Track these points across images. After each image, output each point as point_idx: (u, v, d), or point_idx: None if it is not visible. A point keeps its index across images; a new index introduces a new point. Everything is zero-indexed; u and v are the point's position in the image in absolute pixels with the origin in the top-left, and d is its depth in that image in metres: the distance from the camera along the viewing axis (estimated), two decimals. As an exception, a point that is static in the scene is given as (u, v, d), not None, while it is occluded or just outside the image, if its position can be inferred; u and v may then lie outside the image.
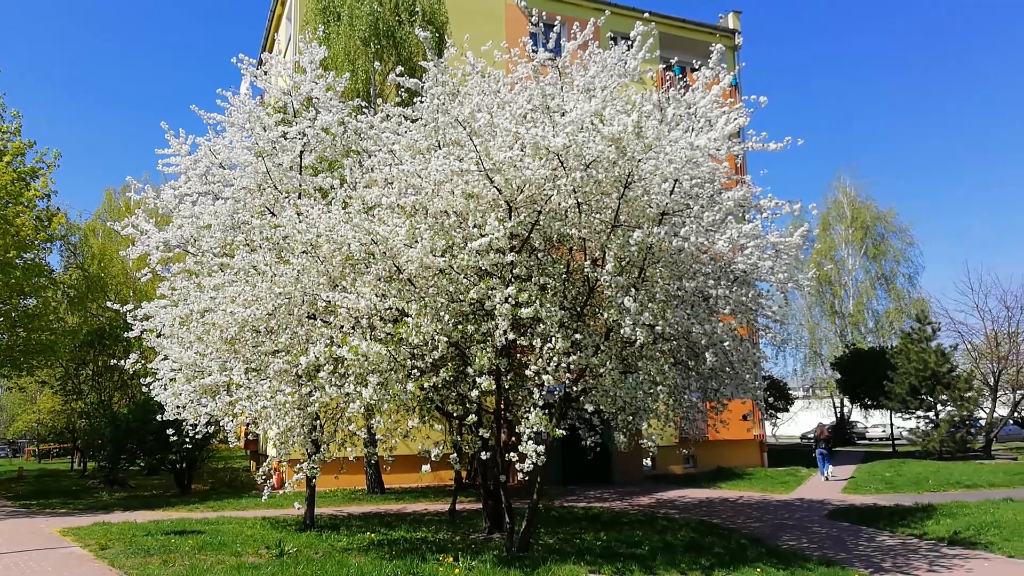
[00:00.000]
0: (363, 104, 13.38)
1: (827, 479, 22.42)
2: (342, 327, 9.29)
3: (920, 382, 29.46)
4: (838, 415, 42.66)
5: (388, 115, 11.25)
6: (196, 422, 11.41)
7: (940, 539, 12.01)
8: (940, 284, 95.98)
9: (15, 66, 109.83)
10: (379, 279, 9.14)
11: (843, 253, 45.32)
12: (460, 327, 9.07)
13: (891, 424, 34.77)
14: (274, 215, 11.16)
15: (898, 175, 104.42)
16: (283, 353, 9.72)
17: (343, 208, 9.82)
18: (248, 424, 11.32)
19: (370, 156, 10.73)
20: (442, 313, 8.87)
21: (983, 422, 32.03)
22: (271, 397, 9.47)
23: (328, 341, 9.20)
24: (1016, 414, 36.28)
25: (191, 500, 19.12)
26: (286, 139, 11.94)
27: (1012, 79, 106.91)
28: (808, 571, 9.50)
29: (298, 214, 9.83)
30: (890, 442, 35.74)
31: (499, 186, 8.89)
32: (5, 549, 11.65)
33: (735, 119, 9.83)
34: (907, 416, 31.14)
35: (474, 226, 9.08)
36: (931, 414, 29.82)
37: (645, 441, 9.33)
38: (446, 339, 8.83)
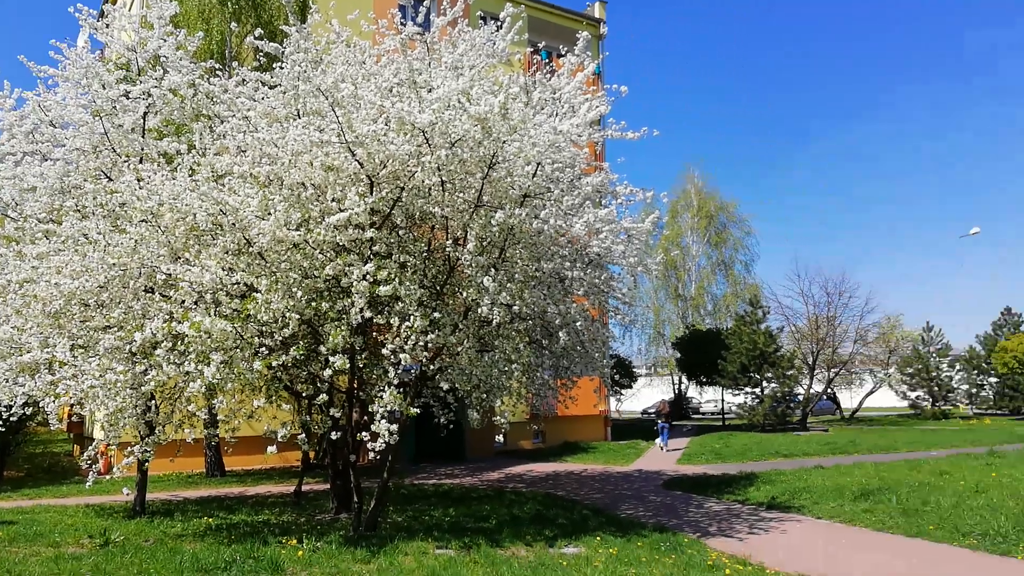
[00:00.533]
0: (217, 67, 12.44)
1: (664, 449, 24.31)
2: (183, 302, 8.68)
3: (749, 361, 31.94)
4: (676, 391, 45.42)
5: (244, 80, 10.54)
6: (11, 403, 10.31)
7: (760, 504, 13.12)
8: (772, 272, 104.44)
9: None
10: (227, 252, 8.62)
11: (688, 240, 47.99)
12: (314, 304, 8.74)
13: (722, 400, 37.52)
14: (111, 180, 10.22)
15: (743, 168, 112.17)
16: (115, 329, 8.95)
17: (190, 175, 9.16)
18: (72, 405, 10.37)
19: (222, 122, 10.05)
20: (295, 289, 8.50)
21: (801, 397, 35.33)
22: (100, 376, 8.69)
23: (167, 316, 8.57)
24: (829, 390, 40.32)
25: (3, 488, 17.33)
26: (128, 99, 10.90)
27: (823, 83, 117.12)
28: (643, 537, 10.08)
29: (138, 180, 9.05)
30: (721, 416, 38.58)
31: (361, 160, 8.61)
32: None
33: (597, 107, 10.07)
34: (737, 392, 33.71)
35: (333, 200, 8.73)
36: (757, 390, 32.46)
37: (498, 418, 9.47)
38: (298, 316, 8.49)
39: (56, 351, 9.06)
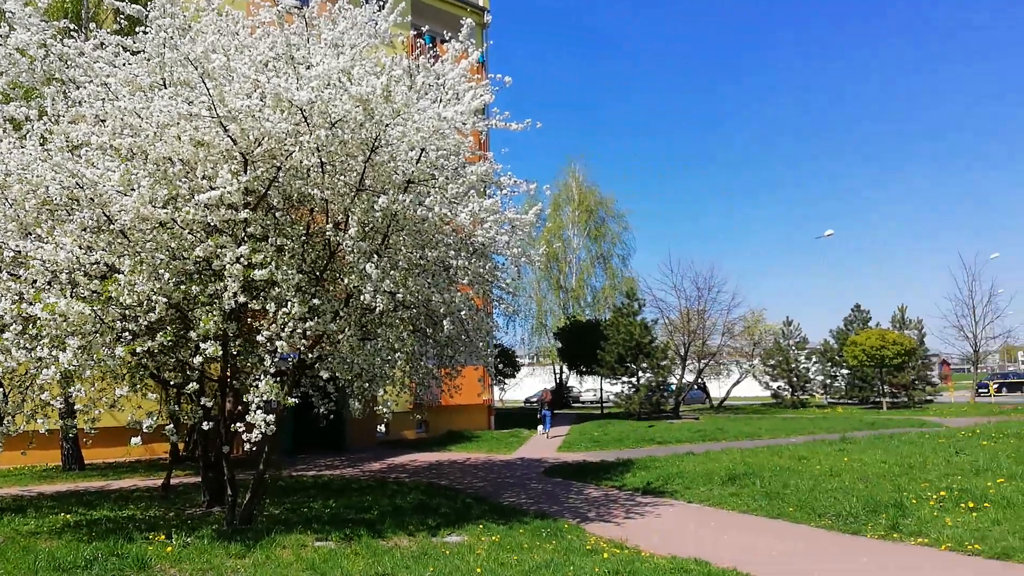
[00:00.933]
0: (72, 27, 11.46)
1: (547, 436, 25.30)
2: (35, 282, 7.99)
3: (626, 351, 33.06)
4: (558, 381, 46.39)
5: (103, 43, 9.76)
6: None
7: (636, 489, 13.63)
8: (649, 266, 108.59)
9: None
10: (84, 229, 8.00)
11: (570, 233, 49.03)
12: (183, 287, 8.26)
13: (601, 389, 38.67)
14: (-53, 144, 9.24)
15: (624, 163, 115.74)
16: (-45, 309, 8.13)
17: (41, 144, 8.42)
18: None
19: (78, 87, 9.29)
20: (161, 271, 8.00)
21: (674, 387, 36.95)
22: (-62, 360, 7.89)
23: (17, 297, 7.87)
24: (699, 380, 42.36)
25: None
26: (-34, 56, 9.87)
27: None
28: (525, 524, 10.24)
29: (-20, 146, 8.24)
30: (600, 405, 39.77)
31: (234, 136, 8.19)
32: None
33: (481, 95, 10.04)
34: (615, 381, 34.81)
35: (203, 177, 8.25)
36: (634, 380, 33.66)
37: (380, 408, 9.31)
38: (165, 300, 7.99)
39: None
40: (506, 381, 39.38)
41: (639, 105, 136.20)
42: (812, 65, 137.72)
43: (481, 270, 10.34)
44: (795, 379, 44.72)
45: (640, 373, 33.45)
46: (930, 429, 24.03)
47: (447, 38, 10.56)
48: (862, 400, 44.63)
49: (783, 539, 9.47)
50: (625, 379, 33.96)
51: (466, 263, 9.80)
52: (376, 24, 10.08)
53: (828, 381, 47.20)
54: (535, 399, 48.68)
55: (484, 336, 11.83)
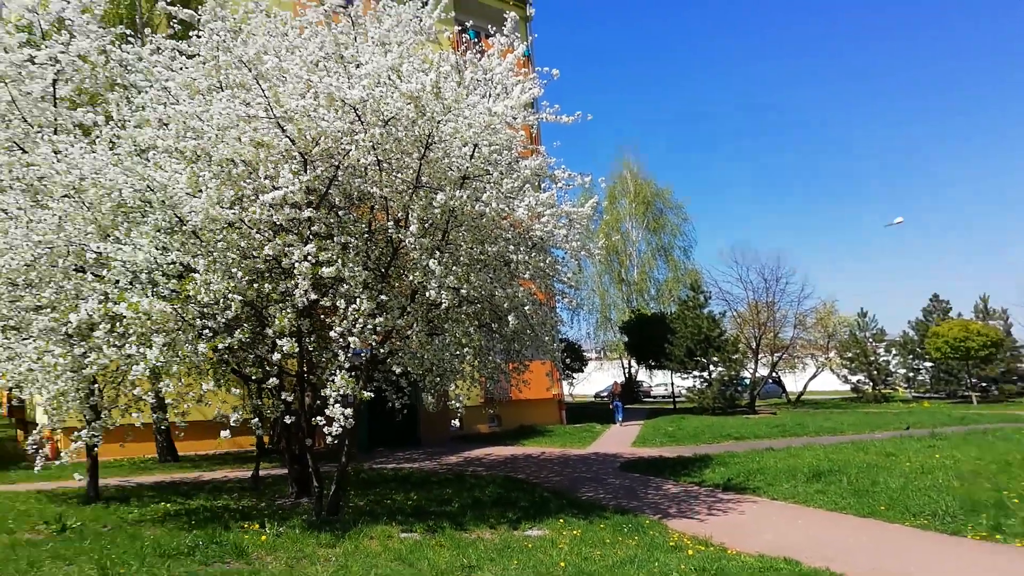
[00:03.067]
0: (128, 33, 11.86)
1: (621, 425, 26.39)
2: (118, 282, 8.40)
3: (695, 345, 32.45)
4: (626, 375, 45.89)
5: (159, 47, 10.07)
6: (-58, 390, 9.89)
7: (716, 485, 13.31)
8: (711, 257, 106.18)
9: None
10: (159, 230, 8.35)
11: (628, 225, 48.41)
12: (256, 285, 8.55)
13: (672, 383, 38.07)
14: (24, 152, 9.79)
15: (677, 151, 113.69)
16: (48, 309, 8.63)
17: (111, 149, 8.80)
18: (11, 389, 9.95)
19: (140, 92, 9.66)
20: (234, 270, 8.29)
21: (748, 381, 36.09)
22: (38, 359, 8.41)
23: (102, 297, 8.29)
24: (774, 374, 41.29)
25: (-57, 479, 16.63)
26: (34, 64, 10.38)
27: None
28: (605, 519, 10.14)
29: (55, 152, 8.67)
30: (671, 399, 39.18)
31: (292, 136, 8.38)
32: None
33: (530, 89, 9.95)
34: (685, 376, 34.23)
35: (266, 177, 8.49)
36: (705, 374, 33.00)
37: (452, 402, 9.40)
38: (240, 298, 8.29)
39: (-13, 332, 8.69)
40: (574, 376, 39.20)
41: (692, 90, 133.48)
42: (877, 47, 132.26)
43: (541, 264, 10.31)
44: (875, 372, 43.10)
45: (711, 367, 32.80)
46: (1027, 423, 22.74)
47: (491, 33, 10.53)
48: (949, 394, 42.70)
49: (876, 538, 9.09)
50: (696, 373, 33.38)
51: (526, 257, 9.78)
52: (421, 20, 10.10)
53: (911, 375, 45.33)
54: (605, 393, 48.45)
55: (549, 330, 11.79)
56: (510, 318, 9.57)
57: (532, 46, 26.26)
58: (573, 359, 35.61)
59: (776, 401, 43.55)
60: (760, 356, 37.68)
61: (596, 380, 49.61)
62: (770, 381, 41.88)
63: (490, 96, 9.93)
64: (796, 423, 25.87)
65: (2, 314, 8.94)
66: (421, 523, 9.78)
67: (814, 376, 43.21)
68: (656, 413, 33.10)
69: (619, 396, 28.11)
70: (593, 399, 49.38)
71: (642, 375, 47.17)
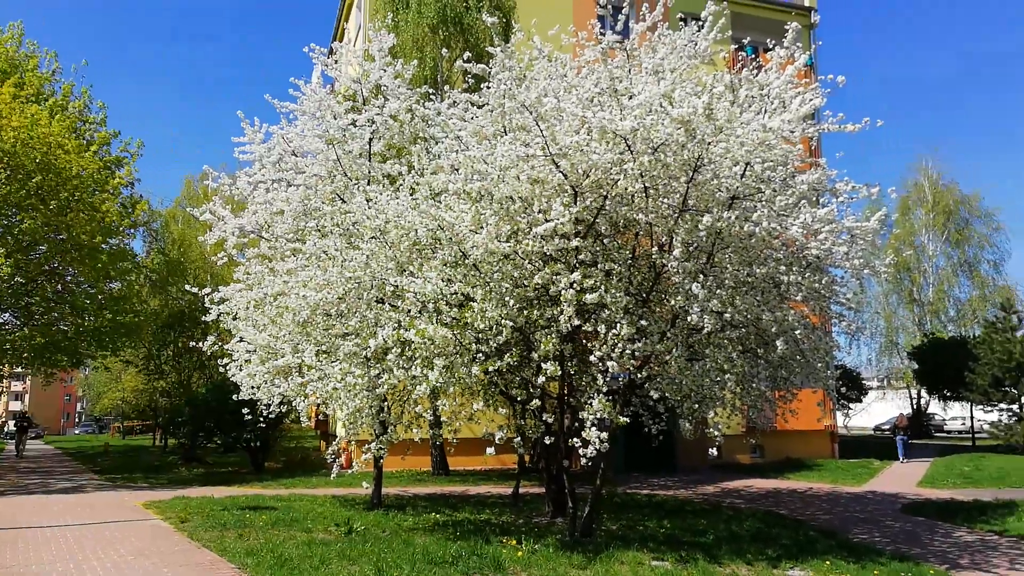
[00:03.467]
0: (430, 91, 13.46)
1: (902, 461, 24.17)
2: (409, 311, 9.42)
3: (1004, 373, 28.18)
4: (915, 406, 41.16)
5: (455, 101, 11.30)
6: (270, 402, 11.80)
7: (1022, 536, 11.50)
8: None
9: (101, 59, 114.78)
10: (445, 264, 9.21)
11: (923, 239, 43.55)
12: (525, 312, 9.09)
13: (971, 416, 33.40)
14: (344, 201, 11.38)
15: (985, 157, 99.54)
16: (352, 336, 9.93)
17: (410, 194, 9.93)
18: (319, 405, 11.63)
19: (437, 143, 10.81)
20: (507, 298, 8.89)
21: (1072, 416, 30.47)
22: (341, 379, 9.69)
23: (396, 325, 9.34)
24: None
25: (264, 477, 19.79)
26: (355, 126, 12.13)
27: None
28: (881, 565, 9.21)
29: (367, 200, 9.99)
30: (970, 435, 34.34)
31: (565, 171, 8.82)
32: (94, 519, 12.34)
33: (810, 100, 9.49)
34: (989, 408, 29.92)
35: (539, 211, 9.04)
36: (1015, 407, 28.53)
37: (711, 430, 9.17)
38: (511, 324, 8.85)
39: (304, 356, 10.23)
40: (851, 406, 36.06)
41: (1003, 91, 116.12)
42: None
43: (816, 285, 9.67)
44: None
45: (1023, 399, 28.21)
46: None
47: (771, 46, 10.19)
48: None
49: None
50: (1004, 406, 28.89)
51: (799, 278, 9.25)
52: (695, 44, 10.09)
53: None
54: (887, 426, 43.80)
55: (823, 356, 10.99)
56: (778, 343, 9.09)
57: (816, 54, 24.99)
58: (849, 388, 32.81)
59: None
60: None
61: (876, 411, 45.09)
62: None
63: (765, 111, 9.61)
64: None
65: (317, 340, 10.45)
66: (673, 552, 9.57)
67: None
68: (950, 450, 29.18)
69: (904, 430, 25.61)
70: (873, 432, 44.88)
71: (934, 407, 41.95)
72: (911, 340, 40.83)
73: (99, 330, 22.28)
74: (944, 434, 43.42)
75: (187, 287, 15.72)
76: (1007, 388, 28.34)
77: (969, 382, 29.16)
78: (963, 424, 39.67)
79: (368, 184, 11.34)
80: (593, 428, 8.34)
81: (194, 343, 15.90)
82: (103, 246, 21.38)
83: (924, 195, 43.80)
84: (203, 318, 13.44)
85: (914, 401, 41.75)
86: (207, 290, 12.87)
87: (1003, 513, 13.56)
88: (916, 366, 35.78)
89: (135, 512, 13.32)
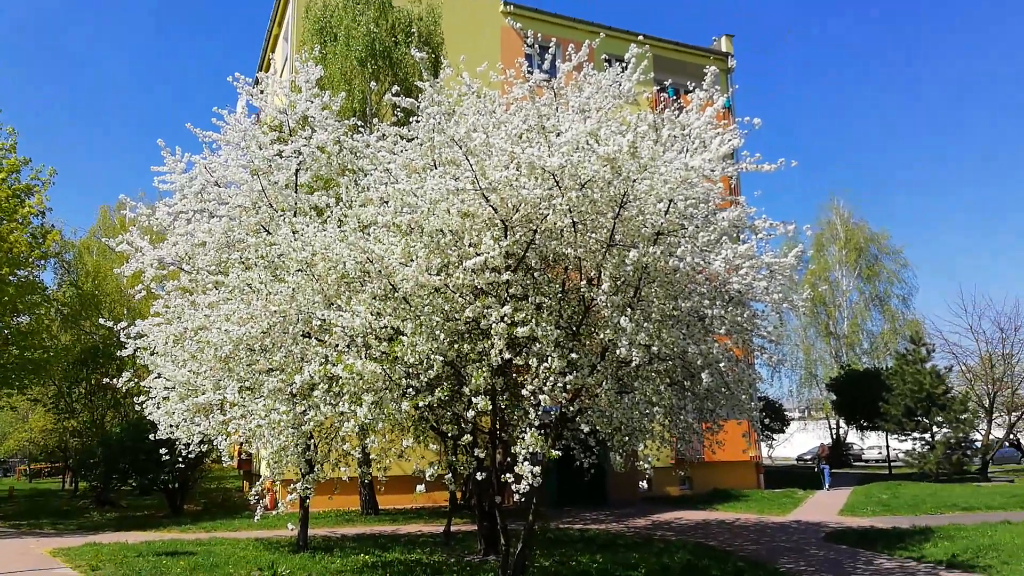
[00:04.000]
0: (359, 123, 13.42)
1: (827, 490, 25.06)
2: (337, 345, 9.23)
3: (916, 403, 29.44)
4: (834, 436, 42.53)
5: (384, 134, 11.27)
6: (189, 441, 11.33)
7: (938, 562, 11.95)
8: (934, 306, 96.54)
9: (10, 84, 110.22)
10: (374, 297, 9.09)
11: (837, 274, 45.54)
12: (456, 346, 9.02)
13: (887, 446, 34.69)
14: (269, 233, 11.14)
15: (890, 198, 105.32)
16: (277, 372, 9.66)
17: (338, 226, 9.81)
18: (242, 444, 11.22)
19: (366, 175, 10.73)
20: (437, 332, 8.82)
21: (979, 444, 32.00)
22: (265, 416, 9.38)
23: (323, 360, 9.13)
24: (1012, 436, 36.28)
25: (183, 521, 18.92)
26: (281, 157, 11.95)
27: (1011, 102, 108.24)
28: (806, 594, 9.43)
29: (293, 232, 9.81)
30: (886, 464, 35.65)
31: (495, 205, 8.88)
32: (-7, 570, 11.50)
33: (729, 140, 9.86)
34: (903, 438, 31.12)
35: (470, 245, 9.05)
36: (927, 436, 29.78)
37: (641, 462, 9.25)
38: (441, 358, 8.77)
39: (227, 393, 9.88)
40: (774, 437, 36.99)
41: (906, 130, 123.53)
42: None
43: (739, 319, 9.95)
44: None
45: (934, 428, 29.48)
46: None
47: (691, 88, 10.58)
48: None
49: None
50: (916, 435, 30.16)
51: (722, 312, 9.50)
52: (620, 85, 10.42)
53: None
54: (808, 456, 45.08)
55: (747, 388, 11.27)
56: (704, 375, 9.27)
57: (733, 97, 26.08)
58: (773, 419, 33.70)
59: (1014, 467, 38.16)
60: (995, 416, 33.33)
61: (799, 442, 46.40)
62: (1007, 445, 36.82)
63: (687, 150, 9.93)
64: (1040, 493, 22.56)
65: (240, 376, 10.12)
66: (606, 588, 9.60)
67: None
68: (868, 479, 30.25)
69: (826, 459, 26.73)
70: (795, 462, 46.11)
71: (852, 436, 43.46)
72: (829, 372, 42.34)
73: (4, 366, 21.04)
74: (862, 463, 44.96)
75: (101, 321, 15.00)
76: (919, 418, 29.58)
77: (884, 412, 30.33)
78: (880, 453, 41.18)
79: (294, 215, 11.15)
80: (526, 463, 8.30)
81: (108, 380, 15.14)
82: (11, 278, 20.30)
83: (836, 232, 45.92)
84: (118, 353, 12.88)
85: (833, 431, 43.16)
86: (123, 324, 12.34)
87: (920, 540, 14.08)
88: (834, 397, 37.07)
89: (41, 560, 12.51)
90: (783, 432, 37.63)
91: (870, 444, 44.47)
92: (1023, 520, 16.14)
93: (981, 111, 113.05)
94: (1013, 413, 34.16)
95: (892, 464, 34.67)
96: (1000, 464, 37.62)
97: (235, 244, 11.35)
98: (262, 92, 13.08)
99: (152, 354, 11.81)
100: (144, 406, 12.05)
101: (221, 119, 12.57)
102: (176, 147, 12.66)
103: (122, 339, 12.29)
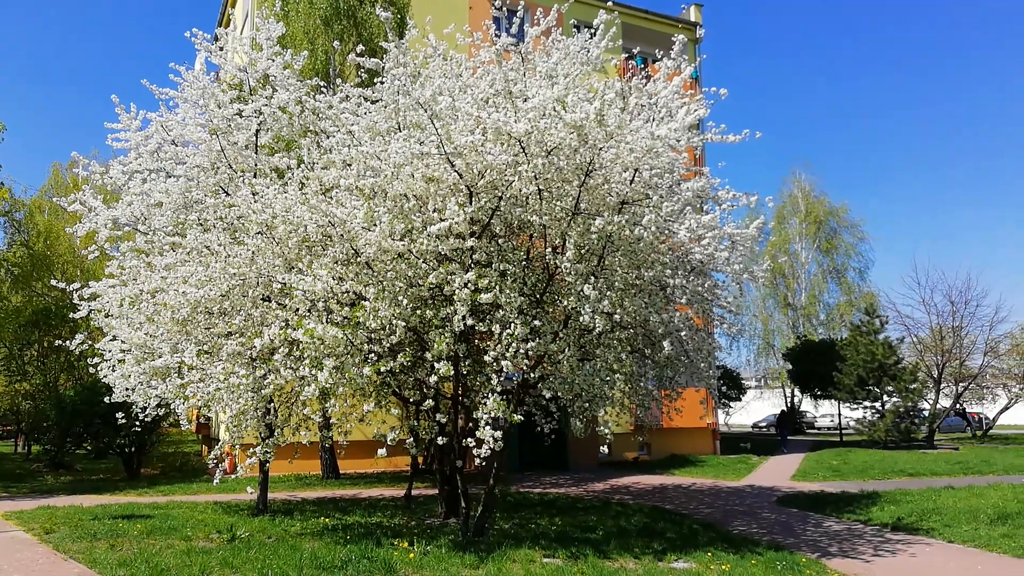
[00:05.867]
0: (322, 84, 13.09)
1: (783, 453, 26.14)
2: (297, 310, 9.13)
3: (868, 373, 30.24)
4: (789, 404, 43.60)
5: (347, 96, 11.04)
6: (146, 405, 11.15)
7: (884, 525, 12.38)
8: (889, 279, 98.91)
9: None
10: (336, 262, 9.00)
11: (797, 246, 46.30)
12: (419, 312, 8.98)
13: (839, 414, 35.71)
14: (228, 194, 10.90)
15: (851, 171, 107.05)
16: (237, 335, 9.54)
17: (300, 189, 9.64)
18: (200, 407, 11.09)
19: (328, 137, 10.53)
20: (400, 298, 8.77)
21: (927, 413, 33.12)
22: (224, 379, 9.28)
23: (283, 324, 9.04)
24: (957, 406, 37.60)
25: (140, 485, 18.70)
26: (242, 117, 11.63)
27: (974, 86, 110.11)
28: (757, 555, 9.71)
29: (253, 194, 9.61)
30: (838, 431, 36.72)
31: (460, 170, 8.80)
32: (-58, 534, 11.27)
33: (695, 110, 9.87)
34: (855, 406, 31.94)
35: (434, 210, 8.98)
36: (877, 405, 30.65)
37: (601, 428, 9.38)
38: (404, 324, 8.74)
39: (184, 356, 9.72)
40: (731, 404, 37.78)
41: (870, 102, 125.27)
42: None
43: (700, 288, 10.09)
44: (1084, 405, 38.10)
45: (885, 397, 30.40)
46: None
47: (659, 57, 10.54)
48: None
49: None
50: (867, 404, 31.04)
51: (683, 282, 9.62)
52: (588, 52, 10.32)
53: None
54: (764, 423, 46.18)
55: (706, 357, 11.49)
56: (664, 344, 9.42)
57: (700, 67, 26.02)
58: (730, 387, 34.36)
59: (959, 435, 39.62)
60: (943, 386, 34.48)
61: (755, 409, 47.51)
62: (953, 414, 38.18)
63: (654, 120, 9.91)
64: (981, 460, 23.46)
65: (198, 339, 9.96)
66: (564, 549, 9.76)
67: (1006, 408, 38.90)
68: (820, 445, 31.14)
69: (783, 425, 27.47)
70: (751, 429, 47.25)
71: (806, 405, 44.63)
72: (786, 342, 43.25)
73: (-49, 329, 20.41)
74: (815, 430, 46.19)
75: (53, 282, 14.61)
76: (870, 387, 30.43)
77: (837, 382, 31.11)
78: (832, 421, 42.26)
79: (254, 177, 10.91)
80: (487, 428, 8.37)
81: (61, 342, 14.79)
82: (-43, 237, 19.61)
83: (798, 205, 46.60)
84: (71, 315, 12.54)
85: (788, 400, 44.23)
86: (76, 286, 12.02)
87: (867, 504, 14.57)
88: (790, 366, 37.92)
89: (-9, 525, 12.27)
90: (740, 400, 38.42)
91: (823, 412, 45.74)
92: (966, 485, 16.78)
93: (947, 86, 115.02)
94: (960, 384, 35.40)
95: (843, 432, 35.68)
96: (946, 432, 39.01)
97: (193, 205, 11.08)
98: (221, 49, 12.66)
99: (107, 316, 11.56)
100: (99, 369, 11.80)
101: (178, 75, 12.16)
102: (131, 104, 12.31)
103: (75, 301, 11.98)
